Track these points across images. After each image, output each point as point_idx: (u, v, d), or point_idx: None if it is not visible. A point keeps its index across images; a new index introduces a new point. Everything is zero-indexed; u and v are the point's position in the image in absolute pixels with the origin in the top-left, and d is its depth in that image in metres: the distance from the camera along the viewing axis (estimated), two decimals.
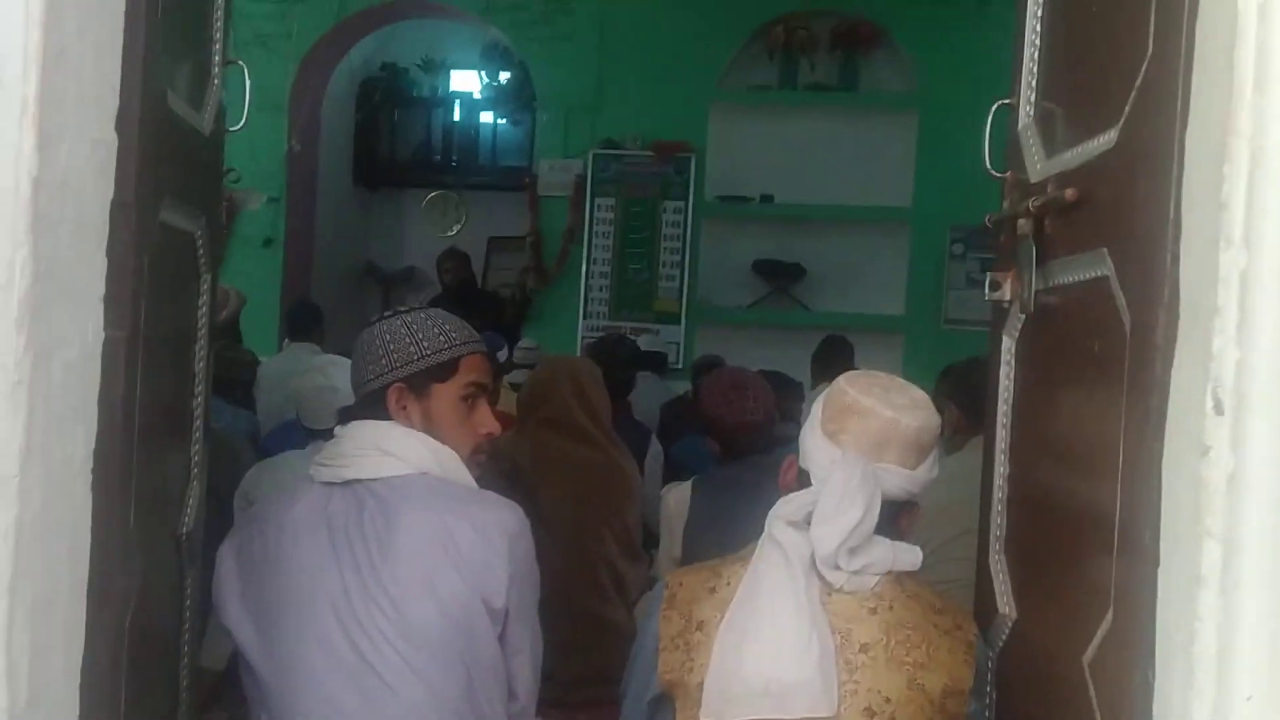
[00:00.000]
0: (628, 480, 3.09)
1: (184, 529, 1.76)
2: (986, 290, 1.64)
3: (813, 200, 6.88)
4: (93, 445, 1.29)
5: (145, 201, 1.39)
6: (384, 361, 1.79)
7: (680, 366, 6.53)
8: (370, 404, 1.80)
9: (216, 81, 1.77)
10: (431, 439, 1.76)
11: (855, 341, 5.60)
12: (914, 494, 1.62)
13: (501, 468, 3.00)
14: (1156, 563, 1.13)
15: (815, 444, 1.60)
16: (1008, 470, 1.65)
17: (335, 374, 2.89)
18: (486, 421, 1.82)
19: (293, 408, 3.24)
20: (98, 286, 1.28)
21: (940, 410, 3.24)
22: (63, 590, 1.18)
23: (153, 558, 1.62)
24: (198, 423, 1.80)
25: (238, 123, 1.86)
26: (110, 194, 1.29)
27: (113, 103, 1.28)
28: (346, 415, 1.85)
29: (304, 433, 3.02)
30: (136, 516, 1.45)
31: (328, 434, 2.70)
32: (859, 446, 1.55)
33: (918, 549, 1.59)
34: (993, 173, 1.70)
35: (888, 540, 1.56)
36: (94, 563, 1.30)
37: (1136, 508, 1.17)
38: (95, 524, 1.30)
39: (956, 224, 6.50)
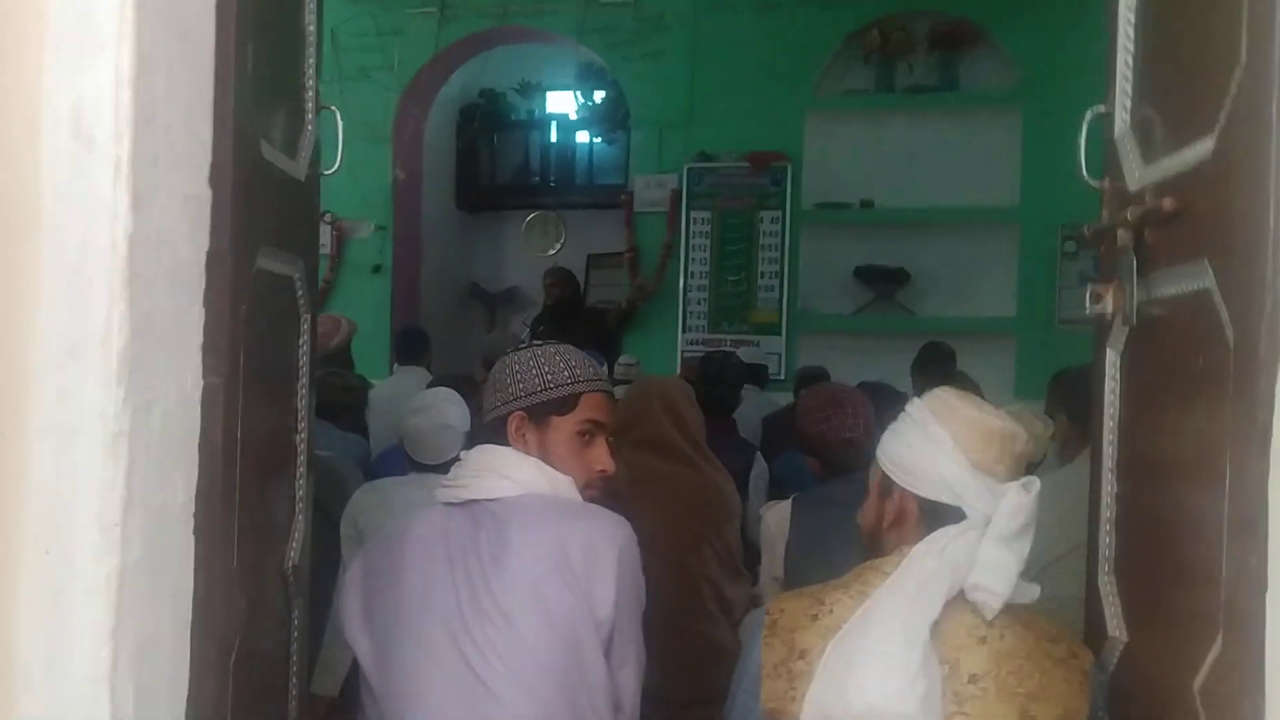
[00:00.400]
0: (726, 499, 3.07)
1: (290, 562, 1.81)
2: (1087, 303, 1.59)
3: (915, 203, 6.77)
4: (194, 490, 1.34)
5: (241, 250, 1.43)
6: (509, 390, 1.88)
7: (781, 377, 6.48)
8: (494, 430, 1.88)
9: (310, 127, 1.82)
10: (546, 464, 1.83)
11: (965, 346, 5.49)
12: None
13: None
14: (1265, 587, 1.07)
15: (966, 478, 1.56)
16: (1115, 489, 1.59)
17: (449, 412, 2.97)
18: (602, 459, 1.88)
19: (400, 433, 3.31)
20: (195, 336, 1.33)
21: (1052, 418, 3.17)
22: (166, 633, 1.23)
23: (259, 592, 1.67)
24: (301, 457, 1.85)
25: (332, 165, 1.90)
26: (205, 246, 1.34)
27: (205, 158, 1.33)
28: (473, 440, 1.92)
29: (407, 459, 3.08)
30: (241, 553, 1.50)
31: (437, 468, 2.78)
32: (1014, 472, 1.56)
33: (1035, 585, 1.55)
34: (1089, 181, 1.64)
35: None
36: (196, 605, 1.35)
37: (1243, 530, 1.12)
38: (197, 567, 1.35)
39: (1068, 222, 6.29)
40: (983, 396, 5.51)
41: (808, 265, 6.93)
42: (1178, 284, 1.35)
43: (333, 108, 1.86)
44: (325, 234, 7.26)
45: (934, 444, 1.59)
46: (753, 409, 5.24)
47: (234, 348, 1.42)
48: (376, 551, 1.88)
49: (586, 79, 7.93)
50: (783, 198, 6.84)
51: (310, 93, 1.81)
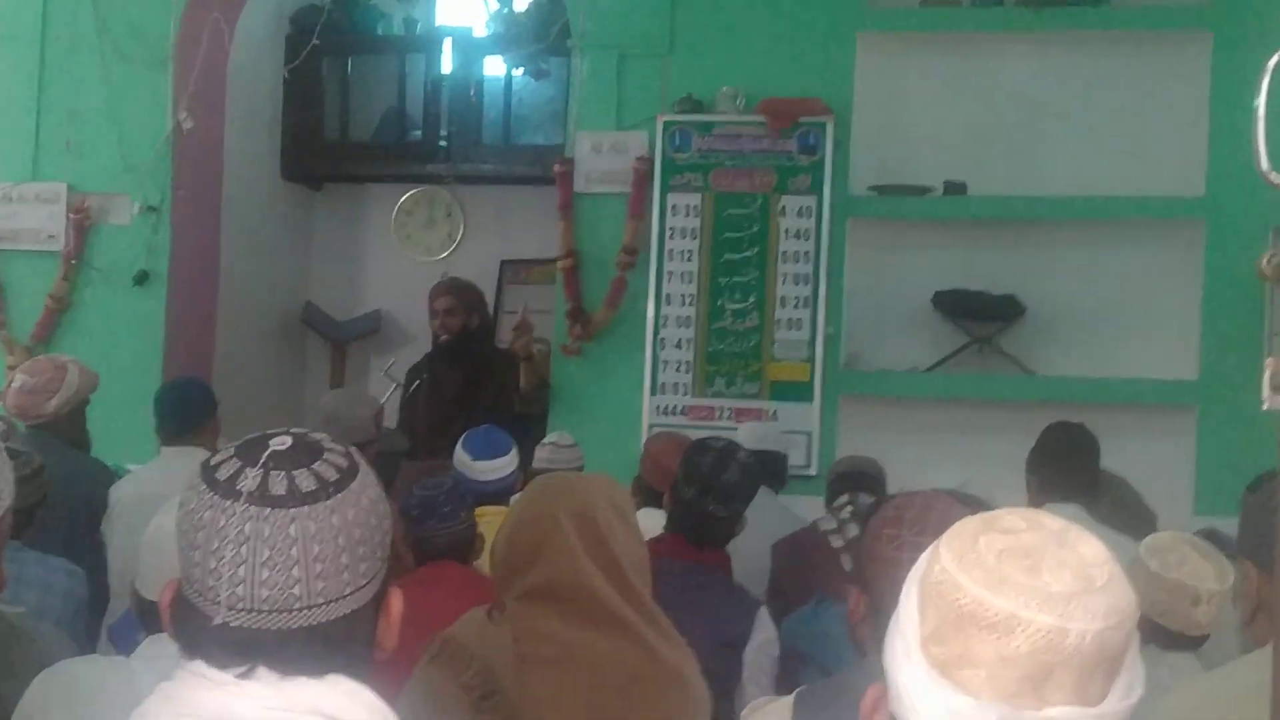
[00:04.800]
0: (684, 692, 2.93)
1: None
2: (1265, 388, 1.46)
3: (1034, 191, 6.79)
4: None
5: None
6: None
7: (812, 472, 6.38)
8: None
9: None
10: None
11: (1114, 425, 5.43)
12: None
13: (463, 679, 2.85)
14: None
15: (916, 682, 1.42)
16: None
17: None
18: None
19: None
20: None
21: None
22: None
23: None
24: None
25: None
26: None
27: None
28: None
29: (136, 607, 2.89)
30: None
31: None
32: (998, 688, 1.37)
33: None
34: (1270, 177, 1.52)
35: None
36: None
37: None
38: None
39: None
40: (1147, 514, 5.34)
41: (858, 288, 6.91)
42: None
43: None
44: (57, 218, 7.14)
45: (904, 627, 1.45)
46: (760, 525, 5.06)
47: None
48: None
49: None
50: (819, 175, 6.82)
51: None
